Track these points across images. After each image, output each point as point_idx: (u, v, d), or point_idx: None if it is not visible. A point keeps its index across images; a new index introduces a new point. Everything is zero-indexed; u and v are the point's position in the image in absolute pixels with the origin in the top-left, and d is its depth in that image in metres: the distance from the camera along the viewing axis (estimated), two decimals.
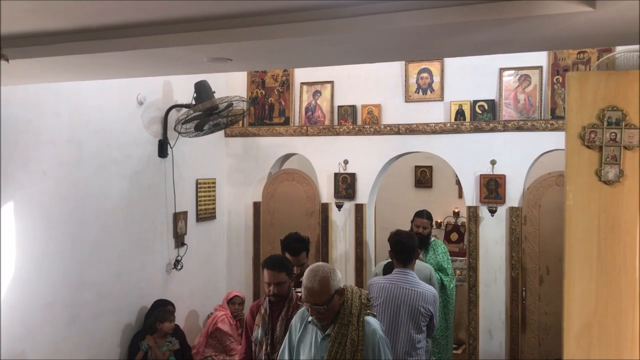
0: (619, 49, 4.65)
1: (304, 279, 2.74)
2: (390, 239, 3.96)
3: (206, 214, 5.72)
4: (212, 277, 5.87)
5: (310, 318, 2.80)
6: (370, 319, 2.83)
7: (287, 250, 4.03)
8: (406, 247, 3.83)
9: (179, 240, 5.31)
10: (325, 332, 2.76)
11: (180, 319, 5.08)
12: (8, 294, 3.75)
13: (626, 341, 1.83)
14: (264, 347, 3.29)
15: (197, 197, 5.59)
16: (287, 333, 2.97)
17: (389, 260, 4.26)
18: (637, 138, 1.77)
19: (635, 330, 1.82)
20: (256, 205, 5.98)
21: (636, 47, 3.97)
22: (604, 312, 1.84)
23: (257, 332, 3.34)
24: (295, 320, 2.95)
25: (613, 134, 1.79)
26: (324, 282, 2.66)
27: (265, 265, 3.31)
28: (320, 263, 2.80)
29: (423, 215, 5.04)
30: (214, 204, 5.85)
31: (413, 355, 3.73)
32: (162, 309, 4.71)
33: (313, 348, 2.79)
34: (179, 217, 5.27)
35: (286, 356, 2.92)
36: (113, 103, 4.59)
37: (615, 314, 1.83)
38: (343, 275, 5.60)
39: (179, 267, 5.23)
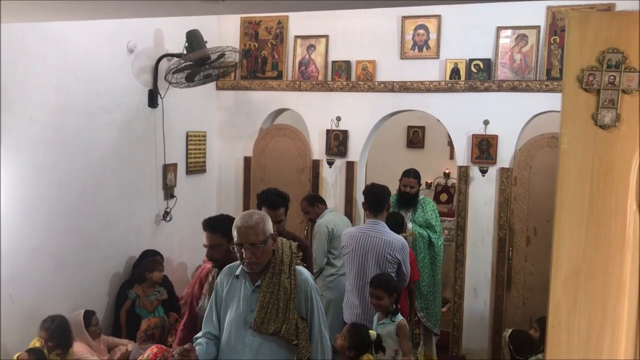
0: (618, 8, 4.59)
1: (237, 221, 2.64)
2: (364, 190, 4.25)
3: (196, 167, 5.68)
4: (201, 230, 5.79)
5: (238, 272, 2.73)
6: (301, 268, 2.77)
7: (264, 203, 3.80)
8: (377, 197, 4.09)
9: (169, 192, 5.27)
10: (255, 284, 2.68)
11: (168, 270, 5.08)
12: None
13: (612, 286, 1.84)
14: None
15: (187, 149, 5.53)
16: (213, 292, 2.82)
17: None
18: (636, 82, 1.74)
19: (622, 276, 1.82)
20: (247, 160, 5.94)
21: (635, 5, 3.92)
22: (592, 257, 1.84)
23: (204, 301, 3.11)
24: (222, 277, 2.81)
25: (612, 77, 1.76)
26: (260, 222, 2.61)
27: (203, 226, 3.13)
28: (252, 210, 2.73)
29: (410, 174, 5.03)
30: (204, 157, 5.80)
31: None
32: (151, 259, 4.71)
33: (242, 302, 2.69)
34: (168, 169, 5.22)
35: (213, 315, 2.78)
36: (102, 50, 4.48)
37: (603, 260, 1.84)
38: None
39: (168, 218, 5.21)
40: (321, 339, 2.73)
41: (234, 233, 2.63)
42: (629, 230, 1.80)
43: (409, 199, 4.96)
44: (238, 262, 2.74)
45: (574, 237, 1.84)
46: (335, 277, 4.79)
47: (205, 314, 2.83)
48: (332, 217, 4.93)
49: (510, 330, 4.10)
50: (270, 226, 2.66)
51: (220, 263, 3.09)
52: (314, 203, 5.00)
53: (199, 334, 2.80)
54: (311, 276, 2.84)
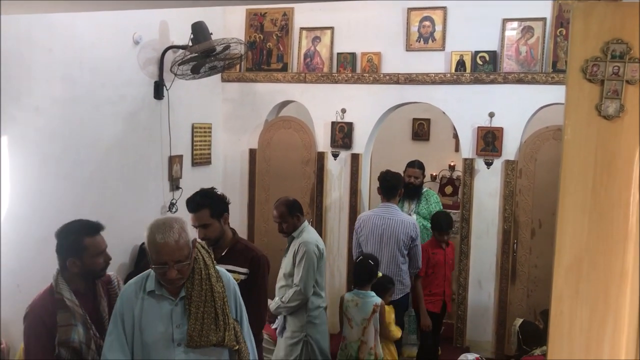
0: None
1: (154, 236, 2.32)
2: (379, 177, 4.56)
3: (202, 159, 5.70)
4: None
5: (152, 287, 2.41)
6: (219, 267, 2.57)
7: (186, 204, 3.35)
8: (389, 183, 4.45)
9: (174, 183, 5.30)
10: (178, 296, 2.39)
11: None
12: (2, 229, 3.75)
13: (614, 276, 1.85)
14: (92, 344, 2.63)
15: (192, 141, 5.55)
16: (116, 313, 2.44)
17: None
18: None
19: (625, 266, 1.83)
20: (252, 152, 5.96)
21: None
22: (594, 247, 1.85)
23: (74, 333, 2.61)
24: (128, 294, 2.45)
25: (616, 68, 1.76)
26: (182, 232, 2.33)
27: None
28: (167, 216, 2.48)
29: (414, 165, 5.07)
30: (209, 149, 5.82)
31: (396, 274, 4.34)
32: None
33: (163, 319, 2.38)
34: (174, 161, 5.25)
35: (122, 340, 2.41)
36: (108, 41, 4.50)
37: (605, 249, 1.84)
38: (337, 224, 5.66)
39: (174, 210, 5.24)
40: (250, 336, 2.60)
41: (152, 250, 2.33)
42: (632, 220, 1.80)
43: (413, 190, 4.98)
44: (144, 274, 2.50)
45: (577, 226, 1.85)
46: (322, 310, 3.95)
47: (108, 341, 2.43)
48: (317, 236, 4.05)
49: (521, 320, 4.15)
50: (189, 231, 2.42)
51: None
52: (294, 213, 3.95)
53: None
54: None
